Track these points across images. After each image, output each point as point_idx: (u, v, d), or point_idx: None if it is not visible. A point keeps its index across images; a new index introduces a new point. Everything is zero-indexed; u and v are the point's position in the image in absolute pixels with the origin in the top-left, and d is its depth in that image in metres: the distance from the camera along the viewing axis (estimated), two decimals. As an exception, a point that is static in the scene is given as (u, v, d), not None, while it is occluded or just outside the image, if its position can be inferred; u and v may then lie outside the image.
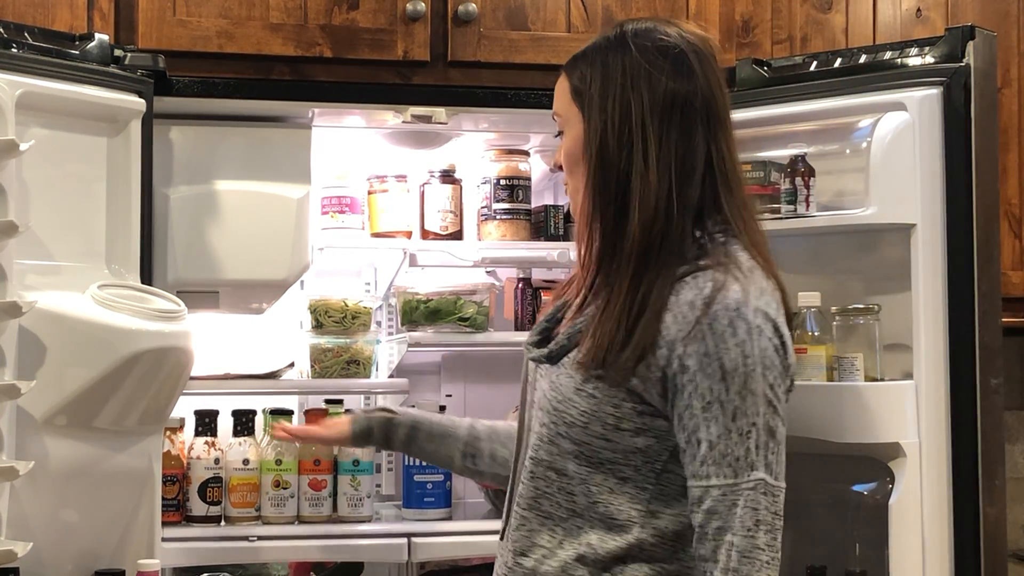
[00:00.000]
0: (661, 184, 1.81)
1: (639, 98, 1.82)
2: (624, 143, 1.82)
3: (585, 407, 1.81)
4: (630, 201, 1.81)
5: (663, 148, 1.81)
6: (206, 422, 2.86)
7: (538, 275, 3.23)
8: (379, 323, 3.27)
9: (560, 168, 1.96)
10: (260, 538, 2.79)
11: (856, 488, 2.49)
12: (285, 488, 2.84)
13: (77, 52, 2.48)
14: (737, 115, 2.60)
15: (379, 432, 2.23)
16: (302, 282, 3.05)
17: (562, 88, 1.92)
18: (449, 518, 2.97)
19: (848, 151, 2.49)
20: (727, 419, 1.74)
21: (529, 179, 3.14)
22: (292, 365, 3.03)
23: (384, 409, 2.27)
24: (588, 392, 1.81)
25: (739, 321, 1.75)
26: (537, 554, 1.87)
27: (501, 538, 1.96)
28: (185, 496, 2.82)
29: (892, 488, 2.36)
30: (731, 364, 1.74)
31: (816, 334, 2.41)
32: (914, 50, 2.49)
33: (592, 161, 1.84)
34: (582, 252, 1.90)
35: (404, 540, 2.84)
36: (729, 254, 1.81)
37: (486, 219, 3.11)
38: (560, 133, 1.93)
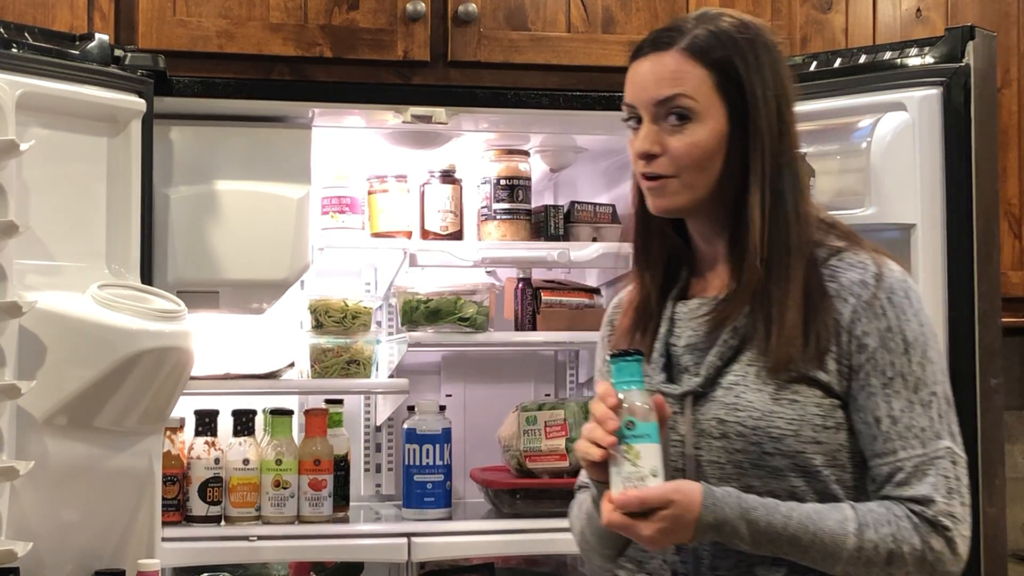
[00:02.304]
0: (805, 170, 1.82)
1: (785, 91, 1.80)
2: (784, 135, 1.78)
3: (792, 415, 1.71)
4: (789, 189, 1.77)
5: (795, 136, 1.81)
6: (206, 422, 2.86)
7: (538, 275, 3.23)
8: (379, 323, 3.27)
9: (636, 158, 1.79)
10: (260, 538, 2.78)
11: (856, 488, 2.48)
12: (285, 488, 2.84)
13: (77, 52, 2.48)
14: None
15: None
16: (302, 282, 3.05)
17: (695, 75, 1.76)
18: (449, 518, 2.97)
19: (848, 151, 2.49)
20: (909, 392, 1.70)
21: (529, 179, 3.13)
22: (292, 365, 3.03)
23: None
24: (789, 399, 1.72)
25: (912, 292, 1.74)
26: None
27: None
28: (185, 496, 2.82)
29: (892, 488, 2.36)
30: (912, 335, 1.71)
31: (816, 334, 2.40)
32: (914, 50, 2.49)
33: (766, 157, 1.75)
34: (726, 254, 1.81)
35: (404, 540, 2.83)
36: (848, 231, 1.80)
37: (486, 219, 3.11)
38: (680, 118, 1.76)
